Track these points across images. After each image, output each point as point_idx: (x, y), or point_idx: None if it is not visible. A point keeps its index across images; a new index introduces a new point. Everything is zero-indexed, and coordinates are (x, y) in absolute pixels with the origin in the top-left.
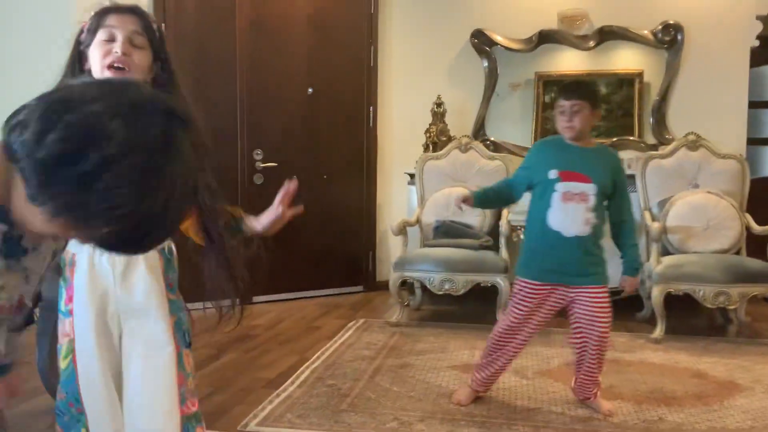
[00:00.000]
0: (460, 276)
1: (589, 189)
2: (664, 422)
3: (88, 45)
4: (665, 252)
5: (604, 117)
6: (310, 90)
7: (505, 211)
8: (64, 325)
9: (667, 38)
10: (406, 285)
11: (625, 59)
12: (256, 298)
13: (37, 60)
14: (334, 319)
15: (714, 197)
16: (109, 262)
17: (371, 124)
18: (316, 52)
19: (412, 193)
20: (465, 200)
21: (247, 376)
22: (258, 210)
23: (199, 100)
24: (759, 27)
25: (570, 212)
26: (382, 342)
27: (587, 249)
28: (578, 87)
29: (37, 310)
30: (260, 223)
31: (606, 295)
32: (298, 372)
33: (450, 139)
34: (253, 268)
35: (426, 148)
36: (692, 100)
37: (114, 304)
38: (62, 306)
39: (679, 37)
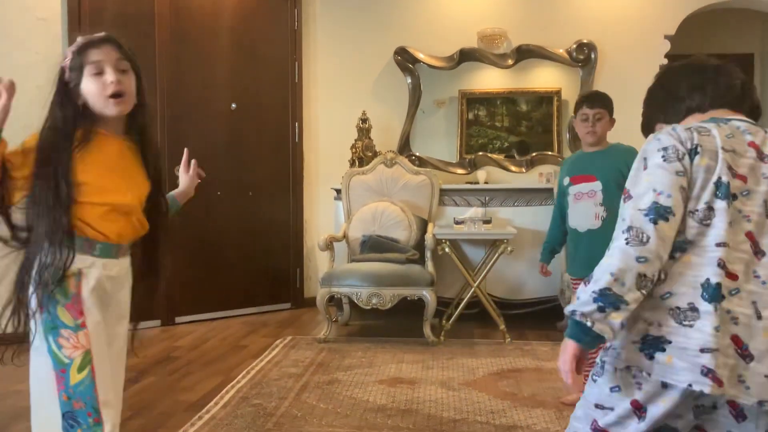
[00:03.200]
0: (387, 290)
1: (596, 186)
2: None
3: (77, 83)
4: None
5: (524, 133)
6: (233, 105)
7: (430, 225)
8: (74, 339)
9: (581, 57)
10: (333, 301)
11: (542, 77)
12: (178, 319)
13: None
14: (261, 337)
15: None
16: (107, 274)
17: (297, 140)
18: (239, 67)
19: (339, 209)
20: (544, 270)
21: (168, 399)
22: (180, 228)
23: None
24: (667, 46)
25: (581, 209)
26: (309, 359)
27: (603, 242)
28: (600, 96)
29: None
30: (179, 195)
31: None
32: (222, 393)
33: (376, 154)
34: (175, 287)
35: (352, 164)
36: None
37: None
38: (67, 321)
39: (592, 56)
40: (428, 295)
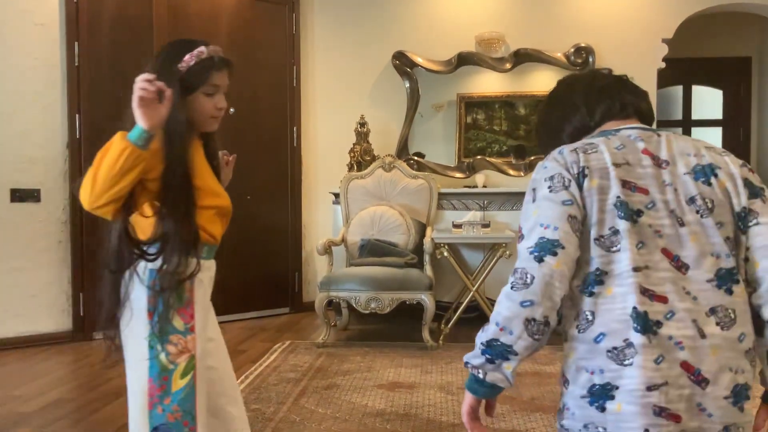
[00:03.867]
0: (386, 294)
1: None
2: None
3: (193, 90)
4: None
5: (523, 137)
6: (231, 110)
7: (428, 229)
8: (182, 343)
9: (579, 60)
10: (332, 305)
11: (540, 81)
12: None
13: None
14: (259, 341)
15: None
16: (209, 276)
17: (295, 144)
18: (237, 71)
19: (337, 213)
20: None
21: None
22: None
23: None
24: (665, 50)
25: None
26: (308, 363)
27: None
28: None
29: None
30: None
31: None
32: None
33: (374, 158)
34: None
35: (350, 168)
36: None
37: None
38: (178, 325)
39: (590, 60)
40: (427, 299)
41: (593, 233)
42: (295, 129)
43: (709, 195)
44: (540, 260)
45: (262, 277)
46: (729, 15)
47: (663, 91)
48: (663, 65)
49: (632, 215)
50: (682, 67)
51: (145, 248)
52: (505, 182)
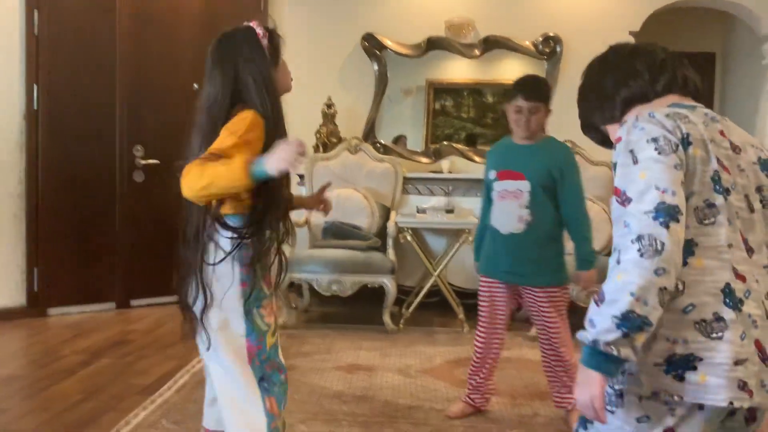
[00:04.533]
0: (348, 277)
1: (523, 186)
2: (539, 416)
3: (276, 64)
4: None
5: (490, 125)
6: (195, 86)
7: (392, 213)
8: (270, 306)
9: (547, 50)
10: (294, 287)
11: (508, 69)
12: (134, 302)
13: None
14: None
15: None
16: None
17: None
18: (203, 47)
19: (302, 194)
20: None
21: (120, 382)
22: (137, 209)
23: (74, 91)
24: (632, 42)
25: (504, 210)
26: None
27: (526, 247)
28: (537, 86)
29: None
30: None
31: (552, 295)
32: (176, 377)
33: (340, 140)
34: (131, 270)
35: (316, 149)
36: (570, 110)
37: None
38: (265, 290)
39: (558, 49)
40: (388, 283)
41: (691, 202)
42: None
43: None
44: (666, 225)
45: None
46: (694, 11)
47: None
48: None
49: (725, 191)
50: None
51: (233, 223)
52: (471, 169)
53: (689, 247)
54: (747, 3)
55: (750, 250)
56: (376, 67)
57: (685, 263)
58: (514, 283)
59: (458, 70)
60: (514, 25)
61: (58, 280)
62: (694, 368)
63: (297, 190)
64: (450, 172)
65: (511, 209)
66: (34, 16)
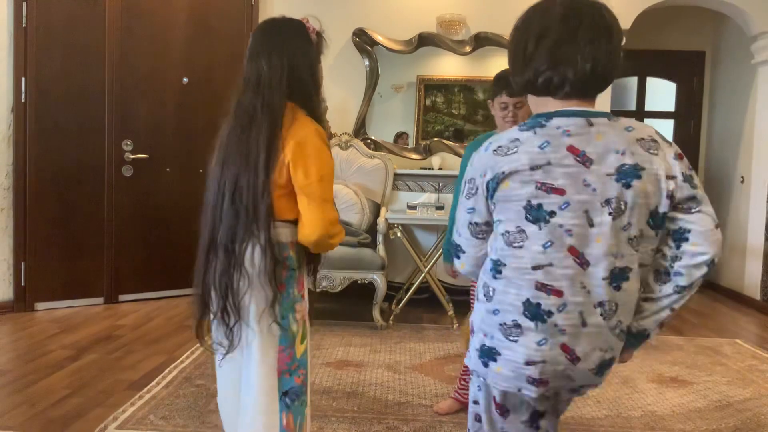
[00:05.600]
0: (338, 273)
1: None
2: None
3: (319, 62)
4: None
5: (480, 122)
6: (185, 80)
7: (383, 210)
8: (302, 310)
9: None
10: None
11: (499, 66)
12: (122, 297)
13: None
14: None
15: None
16: None
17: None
18: (193, 41)
19: None
20: (452, 272)
21: (108, 378)
22: (126, 204)
23: (64, 84)
24: (622, 40)
25: None
26: None
27: None
28: None
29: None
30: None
31: None
32: (165, 372)
33: (331, 136)
34: (119, 265)
35: None
36: None
37: None
38: (299, 293)
39: None
40: (378, 279)
41: (500, 228)
42: None
43: (624, 198)
44: (456, 259)
45: None
46: (685, 9)
47: (618, 82)
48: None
49: (544, 217)
50: (638, 59)
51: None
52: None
53: (497, 266)
54: (737, 2)
55: (585, 263)
56: (367, 62)
57: (495, 277)
58: None
59: (449, 67)
60: (505, 22)
61: (45, 275)
62: (495, 360)
63: None
64: (440, 169)
65: None
66: (22, 9)
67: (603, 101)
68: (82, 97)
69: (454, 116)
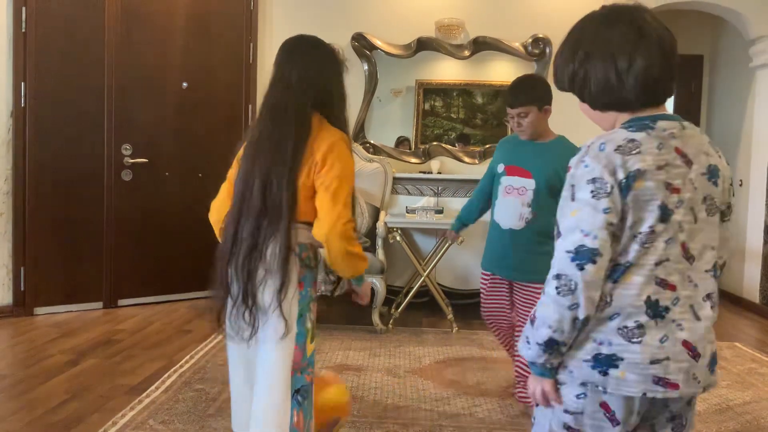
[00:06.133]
0: None
1: (528, 184)
2: (528, 416)
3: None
4: None
5: (479, 126)
6: (184, 84)
7: (382, 213)
8: (315, 310)
9: (536, 51)
10: None
11: (498, 70)
12: (121, 301)
13: None
14: (207, 322)
15: None
16: None
17: (250, 122)
18: (192, 45)
19: None
20: (452, 235)
21: (107, 382)
22: (126, 208)
23: (63, 89)
24: None
25: (508, 205)
26: None
27: (523, 244)
28: (523, 91)
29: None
30: None
31: (538, 293)
32: (164, 377)
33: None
34: (118, 269)
35: None
36: (557, 111)
37: None
38: (312, 291)
39: (547, 50)
40: (378, 283)
41: (632, 230)
42: (250, 107)
43: (715, 195)
44: (581, 268)
45: (212, 256)
46: (683, 13)
47: None
48: None
49: (669, 215)
50: None
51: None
52: (460, 169)
53: (624, 267)
54: (735, 6)
55: (690, 258)
56: (366, 67)
57: (616, 280)
58: (506, 276)
59: (448, 71)
60: (504, 27)
61: (45, 280)
62: (617, 366)
63: None
64: (439, 173)
65: (514, 206)
66: (22, 14)
67: None
68: (82, 102)
69: (453, 120)
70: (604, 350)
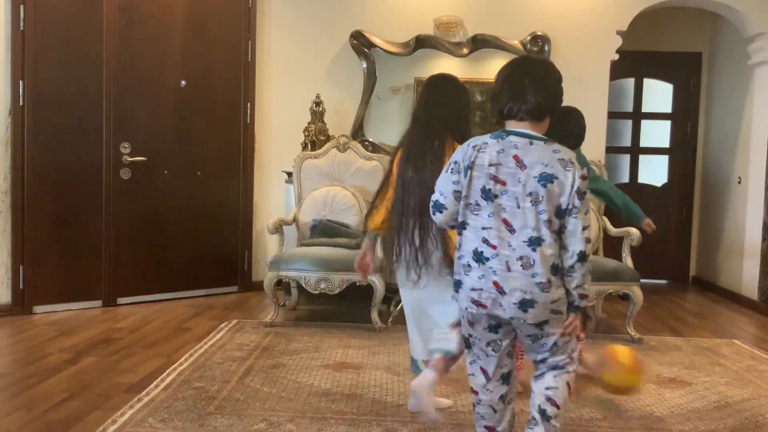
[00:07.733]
0: (336, 275)
1: None
2: (525, 413)
3: None
4: None
5: (477, 124)
6: (183, 82)
7: None
8: None
9: (535, 48)
10: (282, 285)
11: (496, 68)
12: (120, 300)
13: None
14: (206, 320)
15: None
16: None
17: (248, 121)
18: (190, 43)
19: (290, 192)
20: None
21: (106, 381)
22: (124, 207)
23: (62, 87)
24: (619, 42)
25: None
26: (255, 342)
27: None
28: None
29: None
30: None
31: None
32: (163, 375)
33: (329, 138)
34: (117, 268)
35: (304, 147)
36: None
37: None
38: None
39: (546, 48)
40: (377, 281)
41: (466, 201)
42: (249, 105)
43: (541, 193)
44: (433, 214)
45: (211, 254)
46: (682, 10)
47: (615, 83)
48: (617, 57)
49: (492, 197)
50: (635, 60)
51: None
52: None
53: (464, 225)
54: (734, 3)
55: (512, 230)
56: (364, 64)
57: (460, 233)
58: None
59: (446, 69)
60: (503, 24)
61: (43, 278)
62: (458, 289)
63: (285, 187)
64: None
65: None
66: (20, 11)
67: (600, 104)
68: (80, 100)
69: None
70: (456, 277)
